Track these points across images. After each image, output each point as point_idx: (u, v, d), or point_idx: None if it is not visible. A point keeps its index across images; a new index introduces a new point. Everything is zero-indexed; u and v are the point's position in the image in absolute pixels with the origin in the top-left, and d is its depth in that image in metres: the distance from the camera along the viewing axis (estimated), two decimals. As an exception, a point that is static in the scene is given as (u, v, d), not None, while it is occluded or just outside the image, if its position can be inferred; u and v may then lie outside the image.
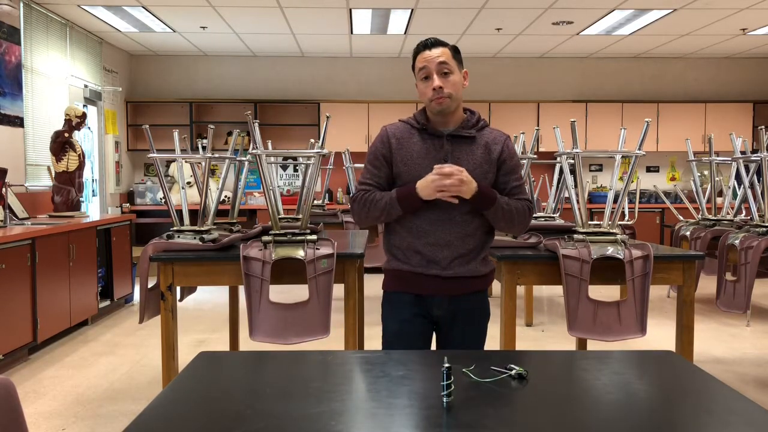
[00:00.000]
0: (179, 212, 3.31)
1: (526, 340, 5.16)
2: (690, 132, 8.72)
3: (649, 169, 9.39)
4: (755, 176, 4.28)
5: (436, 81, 2.13)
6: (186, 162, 3.99)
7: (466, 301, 2.24)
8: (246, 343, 3.64)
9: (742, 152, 4.64)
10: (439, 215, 2.15)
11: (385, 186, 2.21)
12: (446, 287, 2.19)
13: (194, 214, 3.25)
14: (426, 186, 2.08)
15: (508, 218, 2.18)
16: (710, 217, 4.57)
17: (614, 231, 3.08)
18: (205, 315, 6.07)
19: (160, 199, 8.55)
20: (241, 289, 3.09)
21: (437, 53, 2.15)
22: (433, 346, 2.36)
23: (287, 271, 2.96)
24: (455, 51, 2.19)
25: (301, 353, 1.78)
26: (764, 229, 3.75)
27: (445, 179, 2.05)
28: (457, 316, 2.24)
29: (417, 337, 2.24)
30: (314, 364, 1.73)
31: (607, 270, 2.99)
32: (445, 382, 1.37)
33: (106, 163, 7.90)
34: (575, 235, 3.07)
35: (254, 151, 3.09)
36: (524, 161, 3.62)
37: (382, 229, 2.35)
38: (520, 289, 5.84)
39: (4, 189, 4.96)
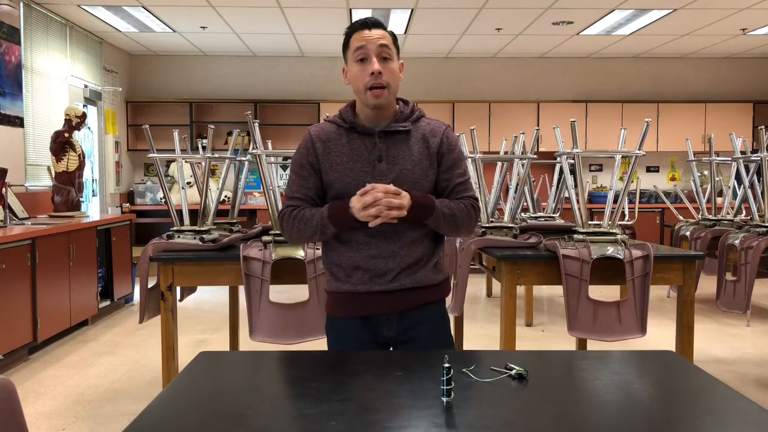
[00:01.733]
0: (179, 212, 3.31)
1: (526, 340, 5.16)
2: (690, 132, 8.72)
3: (649, 169, 9.39)
4: (755, 176, 4.28)
5: (376, 65, 1.86)
6: (186, 162, 3.99)
7: (419, 315, 1.94)
8: (246, 343, 3.64)
9: (742, 152, 4.64)
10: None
11: (315, 197, 1.94)
12: (393, 303, 1.91)
13: (194, 214, 3.25)
14: (355, 204, 1.80)
15: (451, 224, 1.90)
16: (710, 217, 4.57)
17: (614, 231, 3.08)
18: (205, 315, 6.07)
19: (160, 199, 8.55)
20: (241, 289, 3.09)
21: (378, 34, 1.88)
22: None
23: (287, 271, 2.96)
24: (394, 38, 1.95)
25: (301, 353, 1.78)
26: (764, 229, 3.75)
27: (370, 209, 1.76)
28: (412, 335, 1.94)
29: None
30: (314, 364, 1.73)
31: (607, 270, 2.99)
32: (445, 383, 1.37)
33: (106, 163, 7.90)
34: (575, 235, 3.08)
35: (254, 151, 3.09)
36: (524, 161, 3.63)
37: None
38: (520, 289, 5.85)
39: (4, 189, 4.96)
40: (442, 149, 1.95)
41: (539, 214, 4.35)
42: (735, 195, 4.57)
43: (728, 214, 4.54)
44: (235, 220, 3.76)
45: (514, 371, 1.55)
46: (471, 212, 1.94)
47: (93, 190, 7.67)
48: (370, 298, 1.91)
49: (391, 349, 1.99)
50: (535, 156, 3.63)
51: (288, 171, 8.99)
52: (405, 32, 7.55)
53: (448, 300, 3.62)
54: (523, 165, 3.66)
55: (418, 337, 1.95)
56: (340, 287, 1.95)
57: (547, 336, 5.33)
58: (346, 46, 1.94)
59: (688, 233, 4.51)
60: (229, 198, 5.86)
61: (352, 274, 1.92)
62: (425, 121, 1.99)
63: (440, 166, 1.95)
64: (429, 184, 1.93)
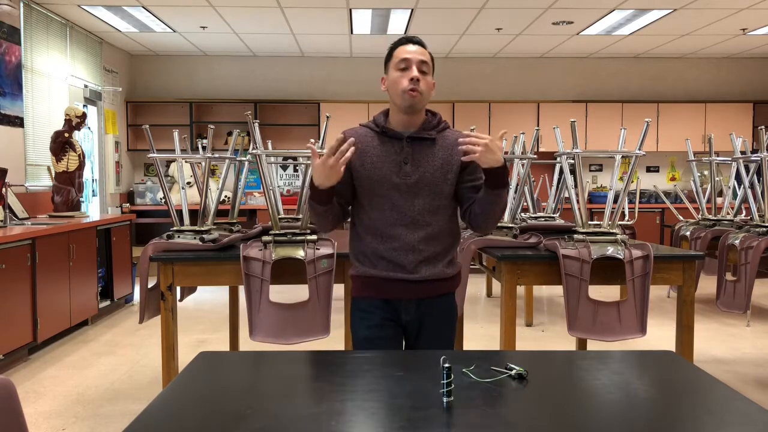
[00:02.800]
0: (179, 212, 3.31)
1: (526, 340, 5.16)
2: (690, 132, 8.73)
3: (649, 169, 9.39)
4: (755, 176, 4.28)
5: (415, 71, 2.09)
6: (186, 162, 3.99)
7: (434, 305, 2.19)
8: (246, 343, 3.64)
9: (742, 152, 4.64)
10: (401, 219, 2.11)
11: (342, 190, 2.12)
12: (414, 291, 2.15)
13: (194, 214, 3.25)
14: (314, 169, 1.99)
15: (503, 206, 2.11)
16: (710, 217, 4.57)
17: (614, 231, 3.08)
18: (205, 315, 6.07)
19: (160, 199, 8.55)
20: (241, 289, 3.09)
21: (422, 51, 2.13)
22: None
23: (287, 271, 2.96)
24: (432, 58, 2.18)
25: (301, 353, 1.78)
26: (764, 229, 3.75)
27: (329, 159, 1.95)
28: (425, 321, 2.19)
29: (387, 342, 2.18)
30: (314, 364, 1.73)
31: (607, 270, 2.99)
32: (445, 383, 1.37)
33: (106, 163, 7.91)
34: (575, 235, 3.07)
35: (254, 151, 3.09)
36: (524, 161, 3.62)
37: None
38: (520, 289, 5.85)
39: (4, 189, 4.96)
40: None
41: (539, 214, 4.35)
42: (735, 195, 4.57)
43: (728, 214, 4.54)
44: (235, 220, 3.76)
45: (514, 371, 1.55)
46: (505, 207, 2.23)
47: (93, 190, 7.67)
48: (394, 283, 2.14)
49: (404, 332, 2.22)
50: (535, 156, 3.63)
51: (288, 171, 8.86)
52: (405, 32, 7.55)
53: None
54: (523, 165, 3.66)
55: (428, 323, 2.19)
56: (368, 271, 2.18)
57: (547, 336, 5.33)
58: (389, 57, 2.18)
59: (688, 233, 4.51)
60: (229, 198, 5.86)
61: (377, 262, 2.16)
62: (449, 132, 2.21)
63: (466, 170, 2.16)
64: (448, 189, 2.15)
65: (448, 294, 2.22)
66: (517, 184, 3.69)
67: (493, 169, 2.00)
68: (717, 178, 4.79)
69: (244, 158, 3.76)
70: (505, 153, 4.77)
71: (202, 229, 3.22)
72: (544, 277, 3.08)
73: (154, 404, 1.38)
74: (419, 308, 2.17)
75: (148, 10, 6.57)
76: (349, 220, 2.27)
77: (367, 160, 2.13)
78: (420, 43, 2.15)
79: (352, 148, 1.95)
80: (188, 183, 7.26)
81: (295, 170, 8.96)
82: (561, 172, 4.19)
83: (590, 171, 9.36)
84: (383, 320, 2.18)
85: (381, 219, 2.13)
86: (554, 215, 4.32)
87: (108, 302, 5.95)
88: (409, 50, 2.12)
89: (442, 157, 2.14)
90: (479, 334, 5.34)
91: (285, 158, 8.31)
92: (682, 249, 4.26)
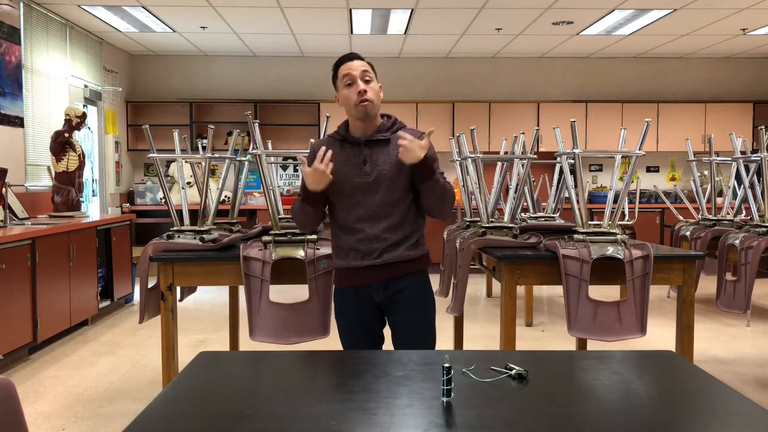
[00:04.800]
0: (179, 212, 3.31)
1: (526, 340, 5.16)
2: (690, 132, 8.72)
3: (649, 169, 9.39)
4: (755, 176, 4.28)
5: (361, 85, 2.34)
6: (186, 162, 3.99)
7: (402, 284, 2.41)
8: (246, 343, 3.64)
9: (742, 152, 4.64)
10: (366, 213, 2.37)
11: (318, 195, 2.40)
12: (379, 274, 2.39)
13: (194, 214, 3.25)
14: (306, 176, 2.33)
15: (440, 194, 2.34)
16: (710, 217, 4.57)
17: (614, 231, 3.08)
18: (205, 315, 6.07)
19: (160, 199, 8.55)
20: (241, 289, 3.09)
21: (359, 64, 2.39)
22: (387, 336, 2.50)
23: (287, 271, 2.96)
24: (372, 66, 2.44)
25: (301, 353, 1.78)
26: (764, 229, 3.75)
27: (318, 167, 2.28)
28: (397, 299, 2.42)
29: (366, 324, 2.45)
30: (314, 364, 1.73)
31: (607, 270, 2.99)
32: (445, 383, 1.37)
33: (106, 163, 7.91)
34: (575, 235, 3.07)
35: (254, 151, 3.09)
36: (524, 161, 3.63)
37: None
38: (520, 289, 5.85)
39: (4, 189, 4.96)
40: None
41: (539, 214, 4.35)
42: (735, 195, 4.57)
43: (728, 214, 4.54)
44: (235, 220, 3.76)
45: (514, 371, 1.55)
46: (451, 191, 2.39)
47: (93, 190, 7.67)
48: (363, 270, 2.40)
49: (382, 312, 2.46)
50: (535, 156, 3.63)
51: (288, 171, 8.91)
52: (405, 32, 7.56)
53: (448, 299, 3.63)
54: (523, 165, 3.66)
55: (401, 299, 2.42)
56: (340, 264, 2.46)
57: (547, 336, 5.33)
58: (335, 77, 2.44)
59: (688, 233, 4.51)
60: (229, 198, 5.86)
61: (349, 253, 2.42)
62: (405, 130, 2.43)
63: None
64: (404, 182, 2.38)
65: (415, 273, 2.44)
66: (517, 184, 3.68)
67: (416, 166, 2.28)
68: (717, 178, 4.79)
69: (244, 158, 3.76)
70: (505, 153, 4.78)
71: (202, 229, 3.22)
72: (544, 277, 3.08)
73: (154, 404, 1.38)
74: (388, 288, 2.41)
75: (148, 10, 6.57)
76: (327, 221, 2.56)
77: (334, 166, 2.36)
78: (358, 57, 2.43)
79: (330, 153, 2.29)
80: (188, 183, 7.26)
81: (295, 170, 8.96)
82: (561, 172, 4.19)
83: (590, 171, 9.36)
84: (358, 306, 2.44)
85: (348, 215, 2.40)
86: (554, 215, 4.32)
87: (108, 302, 5.95)
88: (350, 65, 2.38)
89: (396, 154, 2.34)
90: (479, 334, 5.34)
91: (285, 158, 8.32)
92: (682, 249, 4.26)
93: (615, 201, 3.22)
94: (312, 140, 2.56)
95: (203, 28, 7.35)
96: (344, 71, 2.39)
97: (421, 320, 2.44)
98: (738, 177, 4.43)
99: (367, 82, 2.36)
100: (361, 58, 2.44)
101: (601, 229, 3.08)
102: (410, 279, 2.43)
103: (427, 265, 2.50)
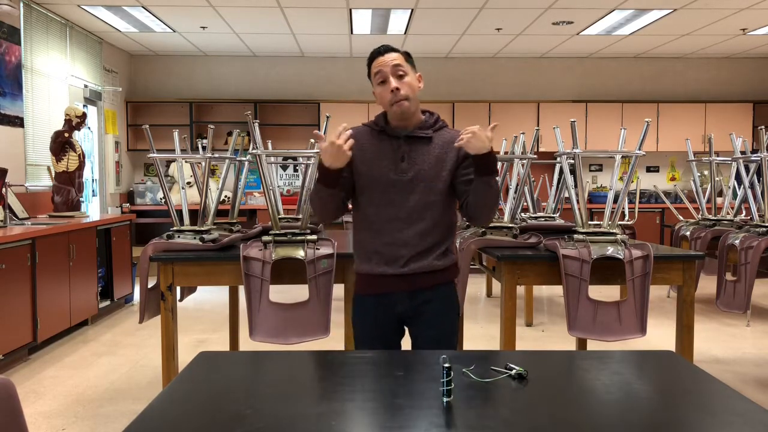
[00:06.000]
0: (179, 212, 3.31)
1: (526, 340, 5.16)
2: (690, 132, 8.72)
3: (649, 169, 9.39)
4: (755, 176, 4.28)
5: (393, 83, 2.20)
6: (186, 162, 3.99)
7: (428, 296, 2.27)
8: (246, 343, 3.64)
9: (742, 152, 4.64)
10: (398, 213, 2.22)
11: (344, 183, 2.25)
12: (405, 283, 2.24)
13: (194, 214, 3.25)
14: (323, 152, 2.12)
15: (494, 194, 2.20)
16: (710, 217, 4.57)
17: (614, 231, 3.08)
18: (205, 315, 6.07)
19: (160, 199, 8.55)
20: (241, 289, 3.09)
21: (391, 57, 2.22)
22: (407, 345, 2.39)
23: (287, 271, 2.96)
24: (408, 55, 2.27)
25: (301, 353, 1.78)
26: (764, 229, 3.75)
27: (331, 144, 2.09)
28: (421, 311, 2.27)
29: (385, 337, 2.29)
30: (314, 364, 1.73)
31: (607, 270, 2.99)
32: (445, 383, 1.37)
33: (106, 163, 7.90)
34: (575, 235, 3.07)
35: (254, 151, 3.08)
36: (524, 161, 3.62)
37: None
38: (520, 289, 5.85)
39: (4, 189, 4.96)
40: (461, 151, 2.22)
41: (539, 214, 4.35)
42: (735, 195, 4.57)
43: (728, 214, 4.54)
44: (235, 220, 3.76)
45: (514, 371, 1.55)
46: (498, 197, 2.29)
47: (93, 190, 7.67)
48: (387, 278, 2.24)
49: (405, 324, 2.32)
50: (535, 156, 3.63)
51: (288, 171, 8.89)
52: (405, 32, 7.56)
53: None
54: (523, 165, 3.66)
55: (425, 312, 2.27)
56: (363, 269, 2.30)
57: (547, 336, 5.33)
58: (369, 73, 2.29)
59: (688, 233, 4.51)
60: (229, 198, 5.86)
61: (372, 257, 2.26)
62: (446, 130, 2.31)
63: (462, 164, 2.25)
64: (442, 185, 2.24)
65: (442, 284, 2.29)
66: (517, 184, 3.68)
67: (480, 156, 2.13)
68: (717, 178, 4.79)
69: (244, 158, 3.76)
70: (505, 153, 4.78)
71: (202, 229, 3.22)
72: (544, 277, 3.08)
73: (154, 404, 1.38)
74: (413, 299, 2.26)
75: (148, 10, 6.57)
76: (344, 219, 2.38)
77: (367, 157, 2.25)
78: (389, 49, 2.25)
79: (348, 131, 2.10)
80: (188, 183, 7.26)
81: (295, 170, 8.96)
82: (561, 172, 4.19)
83: (590, 171, 9.36)
84: (379, 317, 2.29)
85: (377, 214, 2.24)
86: (554, 215, 4.32)
87: (108, 302, 5.95)
88: (380, 61, 2.23)
89: (437, 155, 2.24)
90: (479, 334, 5.34)
91: (285, 158, 8.31)
92: (682, 249, 4.26)
93: (615, 201, 3.22)
94: (316, 130, 2.42)
95: (203, 28, 7.35)
96: (375, 68, 2.24)
97: (444, 335, 2.29)
98: (738, 177, 4.43)
99: (400, 77, 2.20)
100: (394, 49, 2.25)
101: (601, 229, 3.08)
102: (437, 291, 2.28)
103: (455, 275, 2.35)
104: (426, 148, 2.24)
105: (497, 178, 2.22)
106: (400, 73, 2.21)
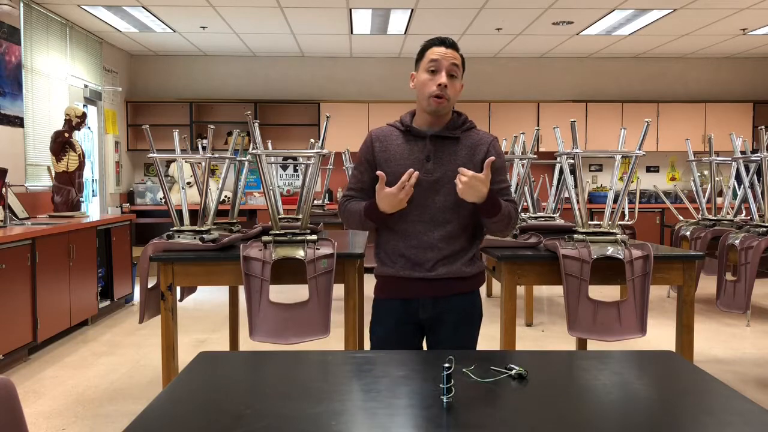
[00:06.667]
0: (179, 212, 3.31)
1: (526, 340, 5.16)
2: (690, 132, 8.72)
3: (649, 169, 9.39)
4: (755, 176, 4.28)
5: (444, 78, 2.12)
6: (186, 162, 3.99)
7: (452, 303, 2.21)
8: (246, 343, 3.64)
9: (742, 152, 4.64)
10: (422, 215, 2.16)
11: (368, 189, 2.23)
12: (431, 289, 2.18)
13: (194, 214, 3.25)
14: (383, 198, 2.10)
15: (505, 223, 2.16)
16: (710, 217, 4.57)
17: (614, 231, 3.08)
18: (205, 315, 6.07)
19: (160, 199, 8.55)
20: (241, 289, 3.09)
21: (453, 54, 2.15)
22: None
23: (287, 271, 2.95)
24: (463, 61, 2.21)
25: (301, 353, 1.78)
26: (764, 229, 3.75)
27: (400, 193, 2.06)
28: (443, 319, 2.21)
29: (403, 342, 2.22)
30: (314, 364, 1.73)
31: (607, 270, 2.99)
32: (445, 383, 1.37)
33: (106, 163, 7.90)
34: (575, 235, 3.07)
35: (254, 151, 3.08)
36: (524, 161, 3.62)
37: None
38: (520, 289, 5.85)
39: (4, 189, 4.96)
40: (488, 156, 2.15)
41: (539, 214, 4.35)
42: (735, 195, 4.57)
43: (728, 214, 4.54)
44: (235, 220, 3.76)
45: (514, 371, 1.55)
46: (515, 216, 2.20)
47: (93, 190, 7.67)
48: (411, 282, 2.18)
49: (422, 329, 2.25)
50: (535, 156, 3.63)
51: (288, 171, 8.91)
52: (405, 32, 7.55)
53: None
54: (523, 165, 3.66)
55: (448, 320, 2.21)
56: (386, 271, 2.22)
57: (547, 336, 5.33)
58: (420, 56, 2.20)
59: (688, 233, 4.50)
60: (229, 198, 5.86)
61: (397, 260, 2.20)
62: (475, 132, 2.26)
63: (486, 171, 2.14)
64: None
65: (468, 293, 2.23)
66: (517, 184, 3.68)
67: (479, 204, 2.08)
68: (717, 178, 4.79)
69: (244, 158, 3.76)
70: (505, 153, 4.78)
71: (202, 229, 3.22)
72: (544, 277, 3.08)
73: (154, 404, 1.38)
74: (436, 306, 2.19)
75: (148, 10, 6.57)
76: None
77: (392, 157, 2.19)
78: (453, 45, 2.17)
79: (415, 176, 2.07)
80: (188, 183, 7.26)
81: (295, 170, 8.96)
82: (561, 172, 4.18)
83: (590, 171, 9.36)
84: (400, 322, 2.22)
85: (402, 216, 2.16)
86: (554, 215, 4.32)
87: (108, 302, 5.95)
88: (442, 52, 2.14)
89: (464, 155, 2.18)
90: (479, 334, 5.33)
91: (285, 158, 8.32)
92: (682, 249, 4.26)
93: (615, 201, 3.22)
94: (411, 173, 2.21)
95: (203, 28, 7.35)
96: (432, 55, 2.14)
97: (465, 345, 2.24)
98: (738, 177, 4.43)
99: (452, 77, 2.14)
100: (458, 49, 2.18)
101: (601, 229, 3.08)
102: (462, 299, 2.22)
103: (481, 283, 2.28)
104: (453, 148, 2.18)
105: (504, 208, 2.13)
106: (453, 73, 2.15)
